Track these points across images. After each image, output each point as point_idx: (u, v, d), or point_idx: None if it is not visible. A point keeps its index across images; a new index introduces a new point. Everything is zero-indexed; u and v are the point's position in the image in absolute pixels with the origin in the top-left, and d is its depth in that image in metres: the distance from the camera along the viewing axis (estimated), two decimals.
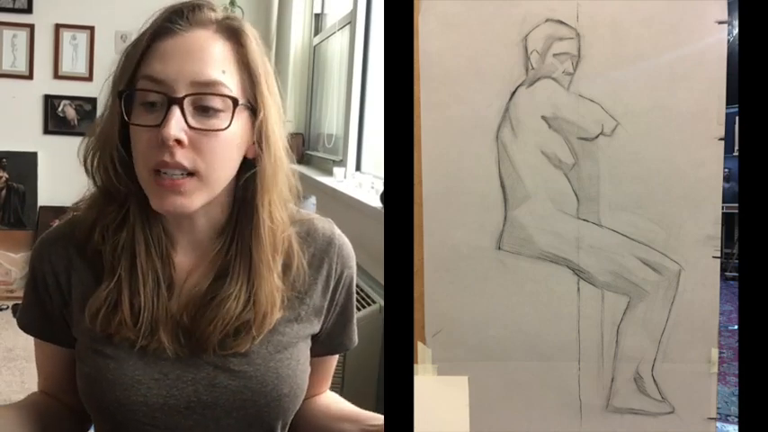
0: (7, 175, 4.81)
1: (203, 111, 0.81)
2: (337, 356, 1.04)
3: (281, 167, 0.88)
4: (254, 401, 0.88)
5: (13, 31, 4.72)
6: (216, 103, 0.81)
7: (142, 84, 0.81)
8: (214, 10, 0.86)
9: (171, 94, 0.80)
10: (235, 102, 0.83)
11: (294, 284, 0.91)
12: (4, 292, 4.24)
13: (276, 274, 0.88)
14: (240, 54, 0.85)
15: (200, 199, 0.83)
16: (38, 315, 0.94)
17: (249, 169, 0.87)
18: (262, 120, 0.85)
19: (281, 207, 0.89)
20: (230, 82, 0.83)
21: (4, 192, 4.81)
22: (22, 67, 4.77)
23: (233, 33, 0.85)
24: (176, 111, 0.79)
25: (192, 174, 0.81)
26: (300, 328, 0.92)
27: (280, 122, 0.89)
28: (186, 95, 0.80)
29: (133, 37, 0.87)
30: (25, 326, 0.96)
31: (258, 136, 0.86)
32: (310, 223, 0.96)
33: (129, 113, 0.82)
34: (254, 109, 0.85)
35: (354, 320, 1.01)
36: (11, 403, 0.95)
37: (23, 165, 4.81)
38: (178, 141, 0.79)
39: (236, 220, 0.89)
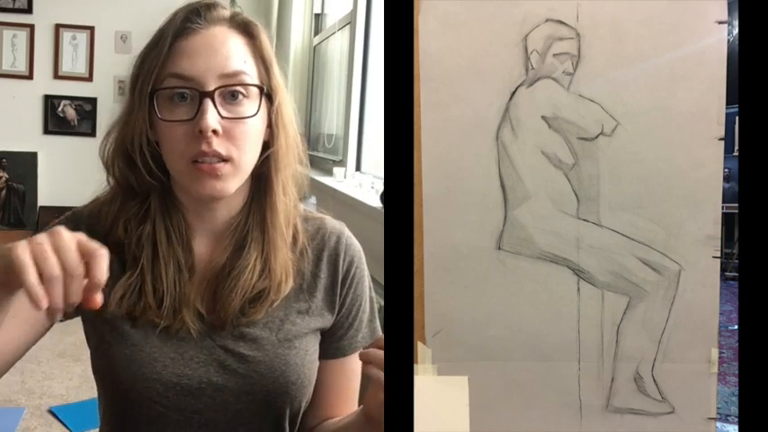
0: (7, 175, 4.82)
1: (231, 100, 0.88)
2: (357, 377, 1.03)
3: (293, 147, 0.96)
4: (263, 386, 0.91)
5: (13, 31, 4.72)
6: (242, 90, 0.88)
7: (170, 82, 0.87)
8: (224, 8, 0.93)
9: (201, 88, 0.86)
10: (261, 89, 0.90)
11: (301, 260, 0.96)
12: None
13: (288, 246, 0.95)
14: (254, 45, 0.92)
15: (234, 183, 0.89)
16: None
17: (264, 151, 0.93)
18: (279, 103, 0.93)
19: (293, 184, 0.97)
20: (251, 71, 0.90)
21: (4, 192, 4.81)
22: (22, 67, 4.77)
23: (245, 27, 0.92)
24: (209, 103, 0.86)
25: (226, 160, 0.87)
26: (311, 321, 0.96)
27: (291, 106, 0.96)
28: (216, 88, 0.86)
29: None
30: None
31: (276, 119, 0.93)
32: (322, 221, 1.01)
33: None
34: (268, 95, 0.92)
35: (366, 323, 1.01)
36: None
37: (23, 165, 4.81)
38: (214, 131, 0.85)
39: (251, 198, 0.95)
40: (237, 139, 0.88)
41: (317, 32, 4.33)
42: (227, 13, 0.92)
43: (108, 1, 4.71)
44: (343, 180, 3.22)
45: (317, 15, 4.36)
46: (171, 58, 0.87)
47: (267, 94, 0.92)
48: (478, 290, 0.91)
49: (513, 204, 0.90)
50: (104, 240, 0.92)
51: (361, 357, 0.80)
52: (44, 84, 4.82)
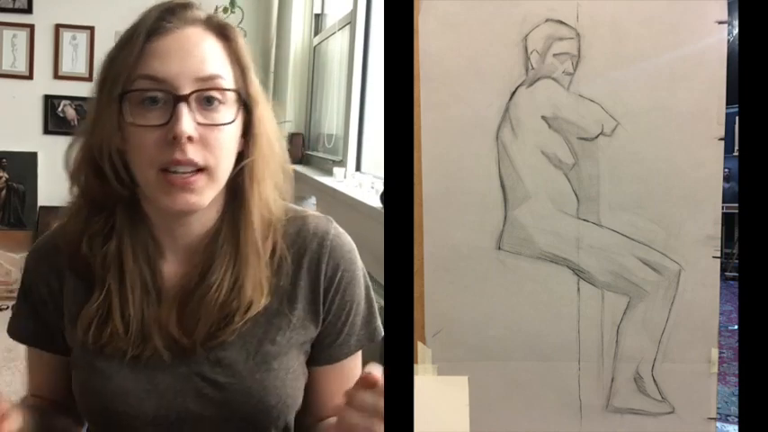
0: (7, 175, 4.81)
1: (206, 105, 0.82)
2: (354, 371, 0.97)
3: (273, 157, 0.90)
4: (242, 412, 0.87)
5: (13, 31, 4.72)
6: (218, 96, 0.83)
7: (141, 83, 0.81)
8: (200, 9, 0.88)
9: (176, 92, 0.81)
10: (238, 94, 0.85)
11: (279, 273, 0.90)
12: (4, 292, 4.24)
13: (264, 261, 0.88)
14: (230, 49, 0.87)
15: (209, 194, 0.84)
16: (32, 325, 0.94)
17: (239, 162, 0.87)
18: (260, 113, 0.88)
19: (271, 196, 0.90)
20: (227, 75, 0.85)
21: (4, 192, 4.81)
22: (22, 67, 4.77)
23: (221, 30, 0.87)
24: (184, 108, 0.80)
25: (201, 170, 0.82)
26: (292, 335, 0.90)
27: (271, 113, 0.91)
28: (192, 92, 0.81)
29: (116, 36, 0.87)
30: (19, 336, 0.95)
31: (256, 129, 0.87)
32: (303, 221, 0.93)
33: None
34: (244, 101, 0.87)
35: (361, 326, 0.95)
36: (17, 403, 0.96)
37: (23, 165, 4.81)
38: (189, 138, 0.80)
39: (224, 211, 0.89)
40: (213, 147, 0.82)
41: (317, 32, 4.33)
42: (202, 14, 0.87)
43: (108, 1, 4.71)
44: (343, 180, 3.22)
45: (317, 15, 4.36)
46: (143, 58, 0.81)
47: (243, 101, 0.86)
48: (478, 290, 0.91)
49: (513, 204, 0.90)
50: (71, 260, 0.89)
51: (345, 398, 0.73)
52: (44, 84, 4.82)
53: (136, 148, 0.82)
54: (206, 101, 0.82)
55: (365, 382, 0.71)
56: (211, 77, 0.83)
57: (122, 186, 0.84)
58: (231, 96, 0.85)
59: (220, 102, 0.83)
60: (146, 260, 0.87)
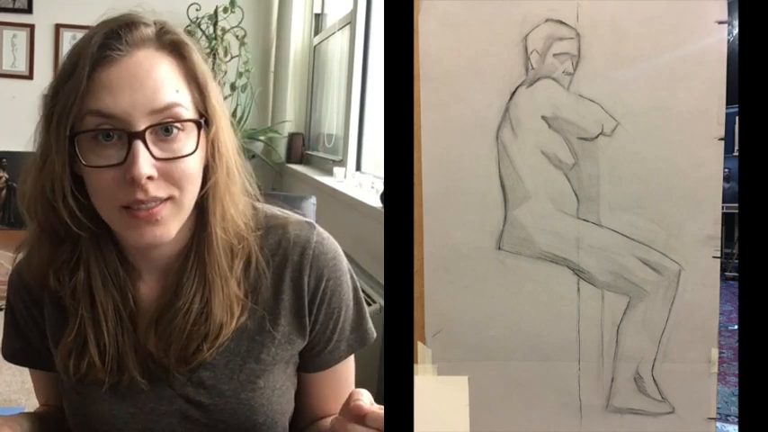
0: (7, 176, 4.81)
1: (164, 135, 0.77)
2: (346, 380, 0.97)
3: (235, 176, 0.85)
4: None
5: (13, 31, 4.72)
6: (176, 125, 0.78)
7: (92, 121, 0.75)
8: (147, 24, 0.80)
9: (129, 128, 0.75)
10: (198, 125, 0.80)
11: (256, 290, 0.87)
12: (4, 292, 4.24)
13: (236, 281, 0.85)
14: (186, 68, 0.81)
15: (176, 224, 0.80)
16: (22, 346, 0.94)
17: (207, 181, 0.83)
18: (215, 132, 0.82)
19: (237, 215, 0.86)
20: (184, 100, 0.79)
21: (4, 192, 4.81)
22: (22, 67, 4.77)
23: (174, 48, 0.80)
24: (140, 146, 0.74)
25: (166, 199, 0.78)
26: (278, 352, 0.88)
27: (230, 130, 0.86)
28: (147, 127, 0.75)
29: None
30: (11, 357, 0.95)
31: (211, 148, 0.82)
32: (284, 230, 0.90)
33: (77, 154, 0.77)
34: (206, 121, 0.81)
35: (350, 330, 0.94)
36: (25, 412, 0.96)
37: (23, 165, 4.81)
38: (149, 177, 0.75)
39: (195, 229, 0.86)
40: (176, 179, 0.77)
41: (317, 32, 4.33)
42: (151, 30, 0.79)
43: (108, 1, 4.71)
44: (343, 180, 3.22)
45: (317, 15, 4.36)
46: (90, 92, 0.74)
47: (206, 120, 0.81)
48: (478, 290, 0.91)
49: (513, 204, 0.90)
50: (41, 293, 0.87)
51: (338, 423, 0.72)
52: (44, 84, 4.82)
53: (94, 188, 0.77)
54: (164, 130, 0.77)
55: (353, 413, 0.71)
56: (168, 107, 0.76)
57: (79, 226, 0.80)
58: (196, 126, 0.79)
59: (180, 129, 0.78)
60: (117, 287, 0.84)
